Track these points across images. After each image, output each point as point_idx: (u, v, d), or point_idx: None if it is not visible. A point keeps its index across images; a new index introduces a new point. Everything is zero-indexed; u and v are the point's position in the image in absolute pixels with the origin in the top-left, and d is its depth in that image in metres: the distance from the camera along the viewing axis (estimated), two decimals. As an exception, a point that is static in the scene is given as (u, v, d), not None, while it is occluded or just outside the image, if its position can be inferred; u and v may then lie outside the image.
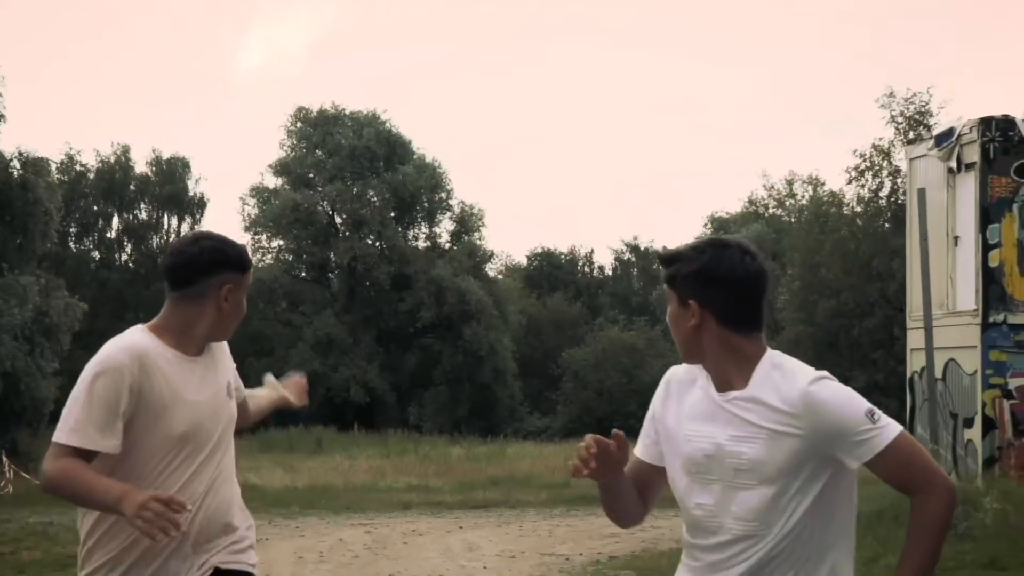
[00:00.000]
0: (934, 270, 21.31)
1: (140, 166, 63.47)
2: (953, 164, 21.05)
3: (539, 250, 76.63)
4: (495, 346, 60.71)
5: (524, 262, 77.02)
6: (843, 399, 3.96)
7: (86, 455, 4.71)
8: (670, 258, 4.20)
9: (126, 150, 62.97)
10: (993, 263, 20.39)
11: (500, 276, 72.28)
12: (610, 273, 78.65)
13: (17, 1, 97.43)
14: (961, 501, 15.93)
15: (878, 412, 3.98)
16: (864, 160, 48.26)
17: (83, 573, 4.96)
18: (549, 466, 33.58)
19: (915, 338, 22.13)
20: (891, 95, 46.59)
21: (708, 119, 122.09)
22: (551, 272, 74.75)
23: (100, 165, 62.46)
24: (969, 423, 20.64)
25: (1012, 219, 20.46)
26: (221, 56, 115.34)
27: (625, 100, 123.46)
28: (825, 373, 4.03)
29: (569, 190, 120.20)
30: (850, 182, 50.55)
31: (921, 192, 19.95)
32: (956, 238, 21.10)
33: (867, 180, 47.90)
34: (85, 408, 4.71)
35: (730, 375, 4.05)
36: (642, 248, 76.73)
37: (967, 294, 20.77)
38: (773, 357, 4.07)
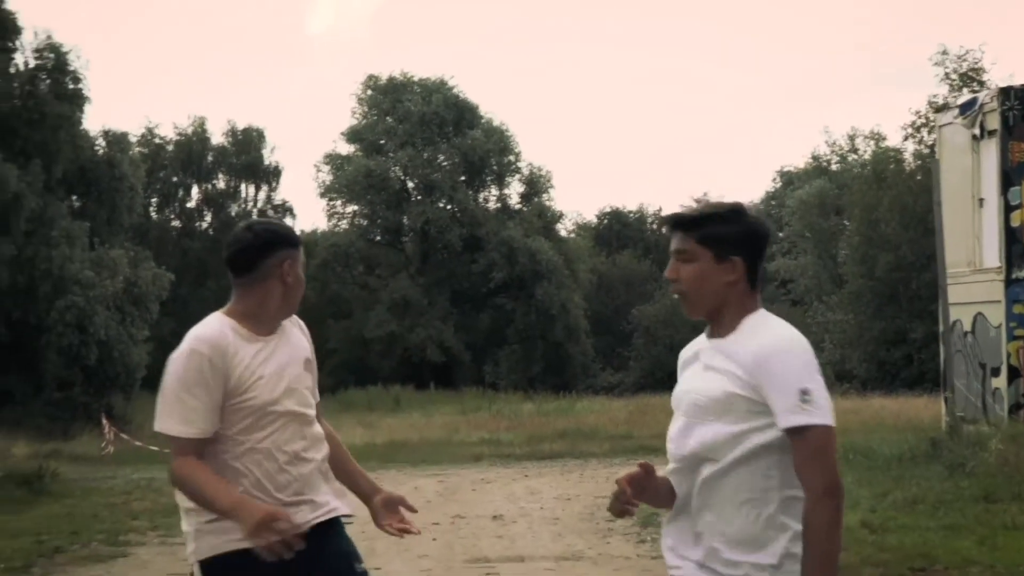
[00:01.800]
0: (961, 231, 22.84)
1: (216, 137, 65.17)
2: (977, 131, 22.45)
3: (608, 209, 77.57)
4: (566, 304, 61.78)
5: (594, 221, 77.92)
6: (789, 367, 4.07)
7: (200, 443, 4.90)
8: (704, 217, 4.30)
9: (202, 122, 64.84)
10: (1015, 223, 21.81)
11: (571, 235, 73.23)
12: None
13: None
14: (970, 443, 17.57)
15: (813, 396, 4.05)
16: (920, 116, 49.41)
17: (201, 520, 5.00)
18: (614, 419, 35.21)
19: (949, 294, 23.66)
20: (944, 52, 47.64)
21: (772, 75, 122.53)
22: (620, 230, 75.50)
23: (178, 138, 64.18)
24: (996, 372, 22.10)
25: (1032, 181, 21.89)
26: (290, 22, 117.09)
27: (690, 58, 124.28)
28: (794, 339, 4.16)
29: (637, 149, 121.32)
30: (906, 139, 51.72)
31: (935, 163, 21.41)
32: (981, 200, 22.50)
33: (923, 136, 48.88)
34: (185, 397, 4.86)
35: (729, 326, 4.22)
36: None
37: (992, 252, 22.18)
38: (762, 314, 4.27)
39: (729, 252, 4.23)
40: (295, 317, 5.21)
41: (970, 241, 22.71)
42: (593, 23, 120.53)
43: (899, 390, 41.41)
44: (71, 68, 40.96)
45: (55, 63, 40.62)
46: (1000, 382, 22.01)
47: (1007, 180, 21.88)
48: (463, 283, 62.76)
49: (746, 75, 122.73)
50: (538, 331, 61.56)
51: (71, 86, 40.94)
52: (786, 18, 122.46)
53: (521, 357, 61.91)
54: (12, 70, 40.01)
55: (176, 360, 4.89)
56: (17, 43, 40.14)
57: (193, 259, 60.64)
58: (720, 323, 4.24)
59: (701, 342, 4.33)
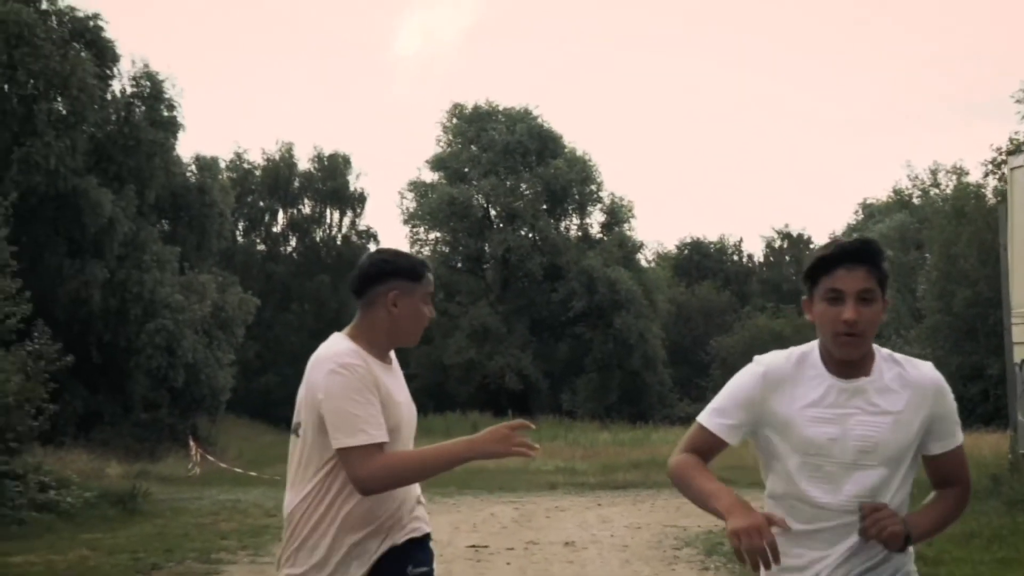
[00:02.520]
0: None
1: (303, 163, 65.97)
2: (1050, 175, 22.91)
3: (688, 239, 77.94)
4: (644, 334, 61.97)
5: (674, 251, 78.21)
6: (951, 393, 4.33)
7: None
8: (881, 251, 4.28)
9: (290, 148, 65.73)
10: (1084, 266, 22.24)
11: (651, 265, 73.57)
12: (760, 260, 79.39)
13: (182, 9, 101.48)
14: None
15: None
16: (1000, 153, 49.51)
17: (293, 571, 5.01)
18: (688, 450, 35.67)
19: (1015, 333, 24.08)
20: (1025, 90, 47.74)
21: (856, 107, 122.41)
22: (700, 261, 75.89)
23: (266, 163, 65.07)
24: (1063, 412, 22.49)
25: (1100, 226, 22.28)
26: (377, 46, 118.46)
27: (772, 89, 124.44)
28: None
29: (718, 180, 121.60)
30: (987, 175, 51.87)
31: (1002, 207, 21.88)
32: (1053, 242, 22.93)
33: (1003, 172, 48.92)
34: (357, 406, 4.90)
35: (865, 364, 4.21)
36: (794, 235, 77.61)
37: (1063, 294, 22.60)
38: (880, 350, 4.29)
39: (884, 290, 4.24)
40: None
41: (1042, 283, 23.14)
42: (676, 56, 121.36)
43: (975, 425, 41.53)
44: (166, 96, 41.90)
45: (151, 91, 41.59)
46: (1067, 421, 22.42)
47: (1077, 223, 22.32)
48: (542, 311, 63.19)
49: (829, 106, 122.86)
50: (616, 360, 61.81)
51: (166, 113, 41.89)
52: (870, 48, 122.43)
53: (598, 386, 62.08)
54: (109, 97, 41.05)
55: (318, 371, 4.94)
56: (115, 70, 41.24)
57: (278, 283, 61.55)
58: (856, 365, 4.20)
59: (816, 374, 4.23)
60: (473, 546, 16.34)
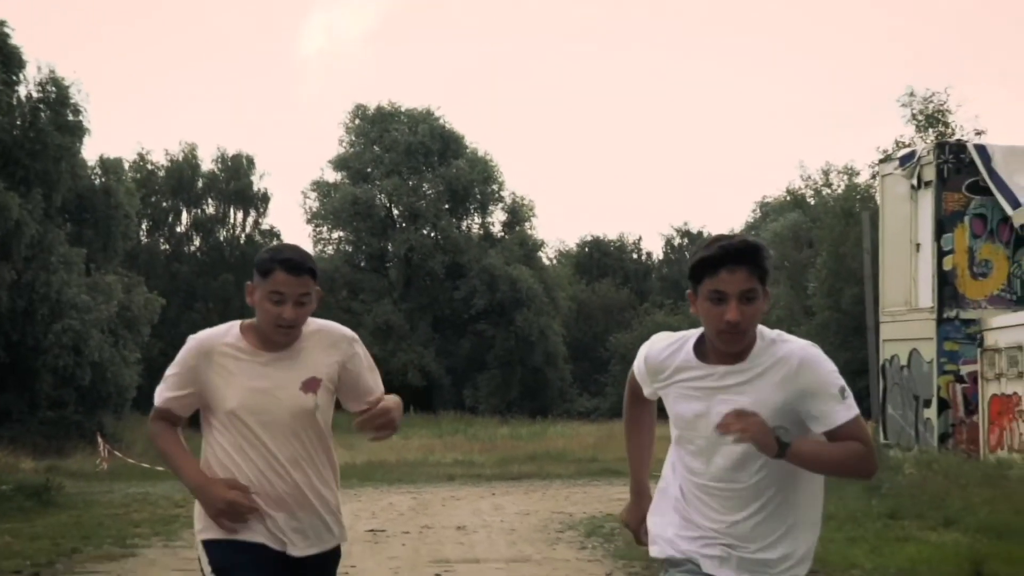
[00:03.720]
0: (901, 273, 24.91)
1: (207, 163, 65.93)
2: (915, 182, 24.52)
3: (589, 238, 78.80)
4: (545, 331, 63.06)
5: (575, 249, 78.98)
6: (829, 367, 4.43)
7: (169, 414, 5.38)
8: (762, 249, 4.46)
9: (193, 148, 65.65)
10: (947, 267, 23.91)
11: (553, 262, 74.50)
12: (660, 258, 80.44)
13: (82, 7, 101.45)
14: (888, 467, 19.44)
15: (847, 391, 4.43)
16: (885, 156, 51.15)
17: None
18: (582, 443, 37.10)
19: (885, 331, 25.70)
20: (911, 95, 49.26)
21: (753, 108, 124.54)
22: (600, 259, 76.70)
23: (169, 163, 64.91)
24: (928, 404, 24.09)
25: (963, 229, 23.97)
26: (280, 48, 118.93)
27: (671, 91, 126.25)
28: (813, 344, 4.51)
29: (619, 179, 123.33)
30: (874, 176, 53.47)
31: (868, 214, 23.51)
32: (918, 245, 24.53)
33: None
34: (169, 374, 5.38)
35: (743, 353, 4.42)
36: (694, 232, 78.64)
37: (926, 293, 24.21)
38: (764, 333, 4.47)
39: (767, 283, 4.45)
40: (341, 336, 5.46)
41: (907, 282, 24.74)
42: (576, 57, 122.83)
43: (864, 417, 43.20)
44: (72, 101, 42.47)
45: (57, 96, 42.02)
46: (931, 413, 24.00)
47: (940, 227, 23.94)
48: (445, 309, 64.01)
49: (726, 108, 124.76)
50: (517, 356, 62.70)
51: (71, 118, 42.37)
52: (767, 51, 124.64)
53: (500, 382, 63.05)
54: (15, 102, 41.58)
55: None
56: (21, 76, 41.77)
57: (182, 282, 61.69)
58: (736, 352, 4.42)
59: (701, 365, 4.48)
60: (371, 530, 17.45)
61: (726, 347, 4.37)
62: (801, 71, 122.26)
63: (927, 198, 24.31)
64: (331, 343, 5.40)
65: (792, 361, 4.36)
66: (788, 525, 4.50)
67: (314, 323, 5.44)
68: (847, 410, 4.37)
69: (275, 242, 66.25)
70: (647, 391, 4.74)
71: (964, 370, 23.60)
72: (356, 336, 5.57)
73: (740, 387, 4.37)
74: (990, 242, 24.09)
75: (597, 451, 34.72)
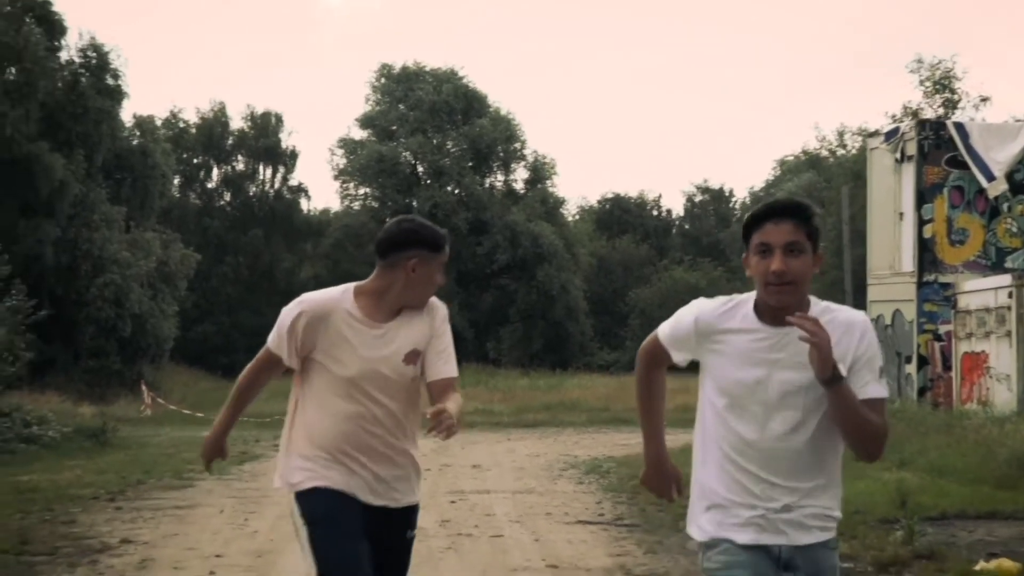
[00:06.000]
0: (885, 239, 26.99)
1: (236, 121, 67.15)
2: (898, 155, 26.57)
3: (610, 195, 79.50)
4: (566, 286, 63.90)
5: (596, 205, 79.77)
6: (877, 343, 4.59)
7: (275, 358, 5.65)
8: (808, 207, 4.56)
9: (223, 107, 67.03)
10: (927, 235, 26.04)
11: (574, 219, 75.45)
12: (681, 215, 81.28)
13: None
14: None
15: (884, 373, 4.58)
16: (896, 121, 52.70)
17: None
18: (596, 394, 39.07)
19: (871, 292, 27.79)
20: (919, 61, 50.72)
21: (775, 69, 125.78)
22: (620, 216, 77.26)
23: (200, 121, 66.25)
24: (909, 360, 26.19)
25: (942, 200, 26.08)
26: (306, 7, 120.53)
27: (692, 51, 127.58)
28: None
29: (640, 137, 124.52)
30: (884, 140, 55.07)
31: (847, 189, 25.57)
32: (900, 214, 26.61)
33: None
34: (277, 332, 5.58)
35: (799, 311, 4.43)
36: (714, 190, 79.81)
37: (908, 259, 26.28)
38: (817, 302, 4.56)
39: (816, 245, 4.57)
40: (439, 308, 5.80)
41: (891, 249, 26.82)
42: (598, 17, 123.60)
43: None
44: (112, 66, 44.69)
45: (97, 62, 44.27)
46: (912, 368, 26.11)
47: (921, 198, 26.05)
48: (468, 264, 64.26)
49: (747, 66, 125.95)
50: (539, 311, 63.37)
51: (111, 82, 44.66)
52: (785, 15, 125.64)
53: (522, 336, 63.98)
54: (57, 67, 43.65)
55: (285, 309, 5.62)
56: (63, 42, 43.91)
57: (213, 236, 62.81)
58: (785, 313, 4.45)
59: (757, 326, 4.55)
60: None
61: (775, 301, 4.45)
62: (820, 31, 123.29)
63: (909, 171, 26.34)
64: (427, 315, 5.71)
65: (855, 328, 4.49)
66: (830, 486, 4.62)
67: None
68: (881, 389, 4.54)
69: (303, 197, 68.20)
70: (677, 357, 4.80)
71: (942, 329, 25.69)
72: (447, 310, 5.90)
73: (801, 352, 4.39)
74: (967, 212, 26.18)
75: (609, 401, 36.64)
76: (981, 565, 10.32)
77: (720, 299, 4.70)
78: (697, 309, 4.70)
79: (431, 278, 5.63)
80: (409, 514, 5.78)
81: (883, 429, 4.51)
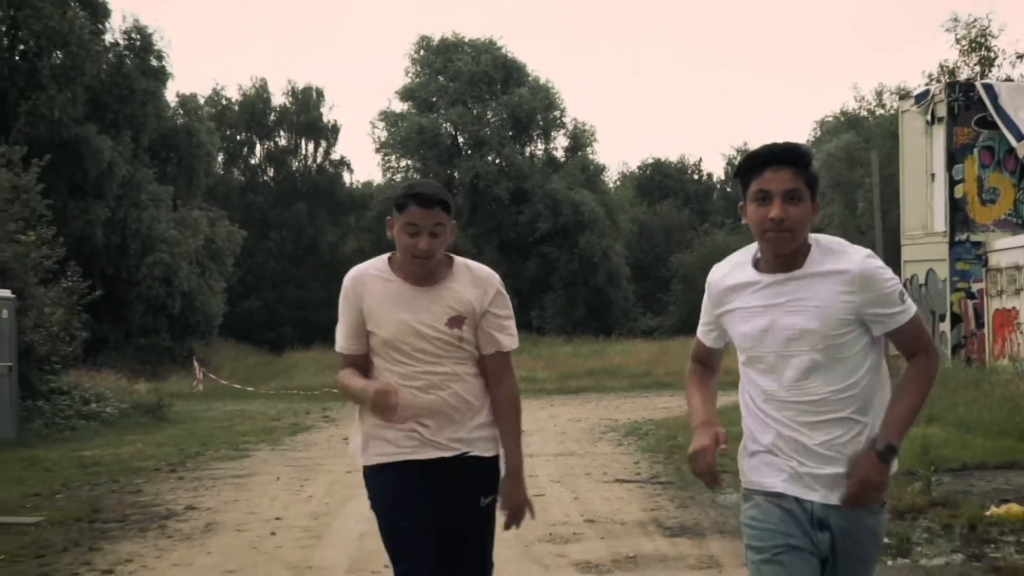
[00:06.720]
0: (918, 200, 27.49)
1: (277, 97, 68.00)
2: (929, 117, 27.03)
3: (650, 160, 79.95)
4: (608, 252, 64.19)
5: (637, 171, 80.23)
6: (886, 276, 4.43)
7: (347, 359, 5.54)
8: (807, 153, 4.46)
9: (264, 83, 67.89)
10: (958, 195, 26.50)
11: (615, 185, 75.82)
12: (721, 178, 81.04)
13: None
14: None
15: (905, 294, 4.49)
16: (932, 80, 52.89)
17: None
18: (638, 360, 39.62)
19: (905, 253, 28.28)
20: (955, 20, 50.87)
21: (812, 27, 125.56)
22: (661, 181, 77.92)
23: (242, 98, 67.14)
24: (943, 318, 26.69)
25: (973, 161, 26.51)
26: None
27: (732, 11, 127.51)
28: (869, 251, 4.47)
29: (679, 103, 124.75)
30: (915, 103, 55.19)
31: (875, 153, 25.98)
32: (932, 175, 27.08)
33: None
34: (339, 321, 5.55)
35: (796, 260, 4.41)
36: (755, 150, 79.64)
37: (940, 219, 26.77)
38: (819, 240, 4.47)
39: (815, 192, 4.48)
40: (492, 281, 5.64)
41: (924, 209, 27.31)
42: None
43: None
44: (156, 48, 45.56)
45: (141, 43, 45.13)
46: (945, 326, 26.61)
47: (952, 159, 26.52)
48: (510, 233, 65.12)
49: (785, 28, 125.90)
50: (581, 278, 63.78)
51: (155, 63, 45.48)
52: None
53: (565, 303, 64.43)
54: (102, 50, 44.46)
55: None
56: (107, 25, 44.74)
57: (256, 212, 63.73)
58: (790, 260, 4.42)
59: (757, 276, 4.51)
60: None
61: (774, 249, 4.39)
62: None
63: (940, 132, 26.79)
64: (476, 282, 5.58)
65: (852, 275, 4.37)
66: (865, 432, 4.46)
67: (462, 261, 5.67)
68: (906, 312, 4.46)
69: (345, 171, 68.96)
70: (709, 339, 4.83)
71: (974, 287, 26.16)
72: (500, 281, 5.75)
73: (801, 297, 4.39)
74: (997, 171, 26.62)
75: (651, 366, 37.21)
76: (992, 511, 10.92)
77: (726, 259, 4.72)
78: (708, 279, 4.72)
79: (400, 238, 5.42)
80: (477, 473, 5.55)
81: (926, 359, 4.52)
